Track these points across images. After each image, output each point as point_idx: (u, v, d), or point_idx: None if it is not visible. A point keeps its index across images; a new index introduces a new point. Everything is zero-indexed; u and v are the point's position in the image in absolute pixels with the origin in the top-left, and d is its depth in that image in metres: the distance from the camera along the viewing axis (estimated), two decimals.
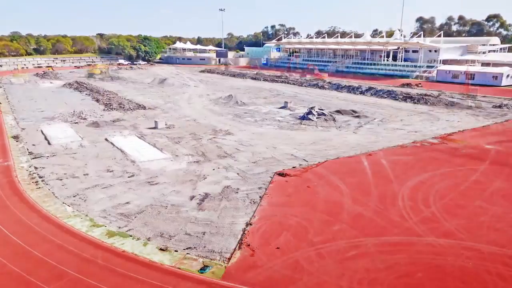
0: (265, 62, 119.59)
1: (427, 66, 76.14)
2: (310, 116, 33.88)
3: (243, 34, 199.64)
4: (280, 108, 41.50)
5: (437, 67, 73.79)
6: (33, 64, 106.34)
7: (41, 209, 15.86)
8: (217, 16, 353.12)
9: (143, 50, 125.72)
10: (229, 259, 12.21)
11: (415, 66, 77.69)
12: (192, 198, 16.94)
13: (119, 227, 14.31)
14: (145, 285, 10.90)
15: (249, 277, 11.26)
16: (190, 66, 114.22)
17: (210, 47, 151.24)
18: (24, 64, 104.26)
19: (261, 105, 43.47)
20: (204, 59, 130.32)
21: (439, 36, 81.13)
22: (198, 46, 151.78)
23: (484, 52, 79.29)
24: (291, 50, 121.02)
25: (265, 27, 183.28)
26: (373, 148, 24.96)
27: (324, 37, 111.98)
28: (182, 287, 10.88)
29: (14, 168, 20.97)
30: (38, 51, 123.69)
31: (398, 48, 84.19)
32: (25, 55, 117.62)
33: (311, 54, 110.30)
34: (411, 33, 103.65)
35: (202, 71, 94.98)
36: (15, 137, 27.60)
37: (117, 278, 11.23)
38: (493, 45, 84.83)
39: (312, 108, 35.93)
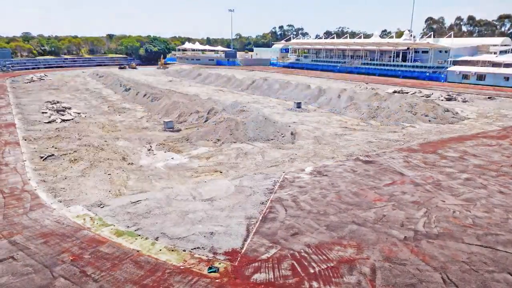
0: (274, 62, 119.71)
1: (437, 67, 75.56)
2: None
3: (251, 34, 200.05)
4: (289, 109, 41.54)
5: (447, 67, 73.17)
6: (44, 65, 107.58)
7: (51, 208, 16.09)
8: (226, 16, 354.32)
9: (153, 51, 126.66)
10: (237, 258, 12.31)
11: (425, 67, 77.16)
12: None
13: (128, 226, 14.52)
14: (152, 283, 11.03)
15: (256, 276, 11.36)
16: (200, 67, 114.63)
17: (219, 47, 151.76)
18: (35, 65, 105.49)
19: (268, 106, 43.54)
20: (213, 60, 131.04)
21: (450, 36, 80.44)
22: (207, 47, 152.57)
23: (495, 53, 78.31)
24: (299, 51, 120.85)
25: (273, 28, 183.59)
26: None
27: (333, 38, 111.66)
28: (189, 286, 10.98)
29: (24, 167, 21.30)
30: (50, 52, 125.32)
31: (408, 48, 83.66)
32: (38, 56, 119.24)
33: (320, 55, 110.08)
34: (420, 33, 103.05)
35: None
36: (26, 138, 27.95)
37: (125, 276, 11.38)
38: (505, 45, 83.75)
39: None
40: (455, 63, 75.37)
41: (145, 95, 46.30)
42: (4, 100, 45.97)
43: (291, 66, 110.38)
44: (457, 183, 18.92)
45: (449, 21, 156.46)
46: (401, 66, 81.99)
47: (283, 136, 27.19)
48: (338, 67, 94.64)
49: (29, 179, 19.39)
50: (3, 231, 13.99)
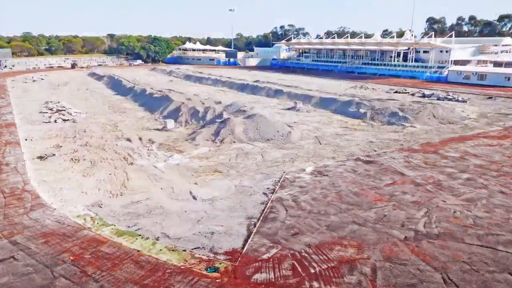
0: (274, 62, 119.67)
1: (438, 67, 75.54)
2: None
3: (252, 34, 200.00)
4: (288, 109, 41.53)
5: (448, 67, 73.14)
6: (44, 64, 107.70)
7: (52, 208, 16.10)
8: (226, 16, 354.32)
9: (153, 50, 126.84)
10: (237, 258, 12.31)
11: (426, 67, 77.15)
12: None
13: (128, 226, 14.52)
14: (152, 283, 11.04)
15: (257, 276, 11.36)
16: (201, 67, 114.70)
17: (220, 47, 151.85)
18: (36, 65, 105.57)
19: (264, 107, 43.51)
20: (214, 60, 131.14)
21: (451, 36, 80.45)
22: (208, 47, 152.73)
23: (496, 53, 78.32)
24: (300, 51, 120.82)
25: (274, 28, 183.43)
26: None
27: (334, 38, 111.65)
28: (190, 286, 10.98)
29: (25, 167, 21.33)
30: (49, 51, 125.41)
31: (409, 48, 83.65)
32: (37, 55, 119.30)
33: (321, 55, 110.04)
34: (421, 33, 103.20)
35: None
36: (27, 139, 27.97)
37: (125, 276, 11.40)
38: (506, 45, 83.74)
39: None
40: (456, 63, 75.31)
41: (146, 95, 46.34)
42: (4, 100, 46.04)
43: (291, 66, 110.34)
44: (457, 183, 18.90)
45: (450, 21, 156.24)
46: (402, 66, 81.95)
47: (283, 136, 27.20)
48: (338, 67, 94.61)
49: (30, 179, 19.40)
50: (3, 231, 14.01)
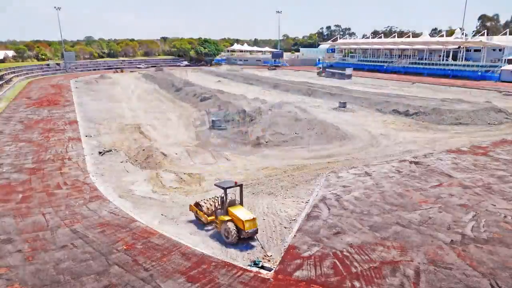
0: (320, 62, 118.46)
1: (490, 66, 71.77)
2: None
3: (298, 35, 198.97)
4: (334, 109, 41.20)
5: (501, 66, 69.46)
6: (103, 66, 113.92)
7: (108, 200, 17.28)
8: (274, 18, 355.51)
9: (203, 52, 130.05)
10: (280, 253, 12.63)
11: (477, 66, 73.49)
12: None
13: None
14: (198, 275, 11.60)
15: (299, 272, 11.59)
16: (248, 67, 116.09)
17: (266, 48, 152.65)
18: (96, 66, 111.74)
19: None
20: (260, 60, 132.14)
21: (505, 34, 76.29)
22: (255, 48, 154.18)
23: None
24: (346, 51, 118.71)
25: (320, 28, 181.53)
26: None
27: (380, 37, 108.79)
28: (234, 279, 11.41)
29: (85, 161, 22.97)
30: (108, 54, 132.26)
31: (459, 47, 79.92)
32: (98, 58, 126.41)
33: (367, 54, 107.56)
34: (473, 31, 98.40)
35: None
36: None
37: (173, 266, 12.04)
38: None
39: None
40: (510, 61, 71.21)
41: (194, 95, 47.81)
42: (68, 100, 49.28)
43: (337, 66, 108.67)
44: (509, 186, 18.01)
45: (504, 18, 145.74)
46: (451, 65, 78.53)
47: (326, 135, 27.14)
48: (385, 67, 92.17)
49: (89, 173, 20.90)
50: (65, 220, 15.24)
